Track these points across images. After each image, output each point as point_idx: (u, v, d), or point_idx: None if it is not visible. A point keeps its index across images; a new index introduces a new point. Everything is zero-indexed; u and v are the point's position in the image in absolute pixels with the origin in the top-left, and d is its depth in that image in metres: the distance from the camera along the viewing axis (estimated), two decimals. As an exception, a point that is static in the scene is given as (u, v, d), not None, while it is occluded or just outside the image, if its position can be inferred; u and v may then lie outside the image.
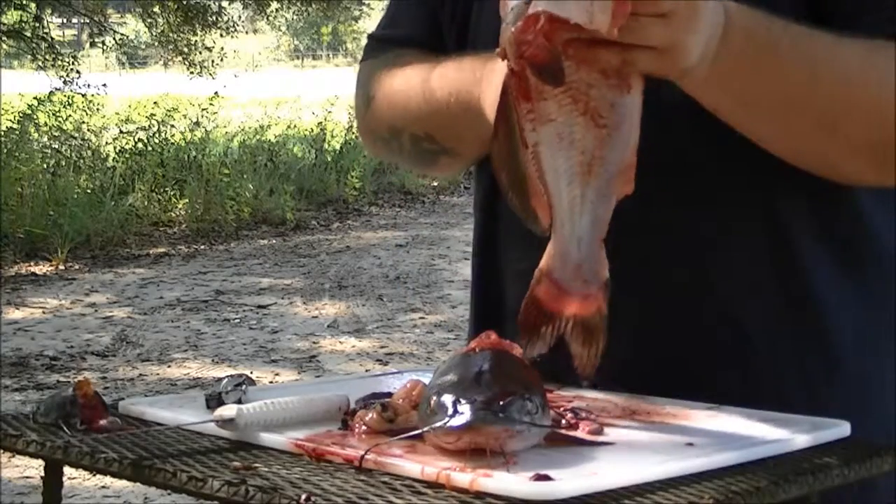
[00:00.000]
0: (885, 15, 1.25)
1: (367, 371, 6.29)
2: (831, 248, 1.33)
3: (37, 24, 16.20)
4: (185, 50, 17.20)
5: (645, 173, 1.09)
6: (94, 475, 1.16)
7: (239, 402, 1.18)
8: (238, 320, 7.97)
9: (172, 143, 13.36)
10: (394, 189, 14.78)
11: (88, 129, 13.60)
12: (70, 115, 13.22)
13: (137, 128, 13.77)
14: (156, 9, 16.82)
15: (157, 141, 13.10)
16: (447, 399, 1.03)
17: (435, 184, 15.07)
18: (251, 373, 4.77)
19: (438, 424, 1.01)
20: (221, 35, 17.39)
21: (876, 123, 1.21)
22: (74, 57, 16.50)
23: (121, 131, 13.84)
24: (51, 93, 13.49)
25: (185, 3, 16.53)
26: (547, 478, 0.97)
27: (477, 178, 1.51)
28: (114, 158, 12.63)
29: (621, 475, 1.00)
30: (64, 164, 12.06)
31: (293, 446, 1.09)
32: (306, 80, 34.12)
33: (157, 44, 18.23)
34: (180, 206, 11.98)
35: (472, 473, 0.97)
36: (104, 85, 14.73)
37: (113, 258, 10.30)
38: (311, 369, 6.73)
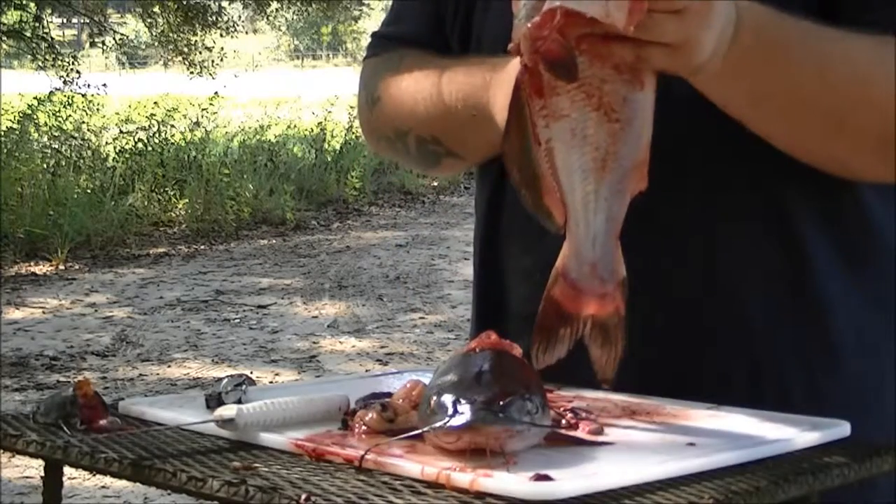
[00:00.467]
0: (892, 11, 1.25)
1: (367, 371, 6.29)
2: (836, 246, 1.33)
3: (37, 24, 16.20)
4: (185, 50, 17.20)
5: (649, 170, 1.09)
6: (94, 475, 1.16)
7: (239, 402, 1.18)
8: (238, 320, 7.97)
9: (172, 143, 13.35)
10: (394, 189, 14.78)
11: (88, 129, 13.59)
12: (70, 115, 13.21)
13: (137, 128, 13.77)
14: (156, 9, 16.82)
15: (157, 141, 13.10)
16: (447, 399, 1.03)
17: (435, 184, 15.07)
18: (251, 373, 4.78)
19: (438, 424, 1.01)
20: (221, 35, 17.39)
21: (885, 120, 1.21)
22: (74, 57, 16.49)
23: (121, 131, 13.84)
24: (51, 93, 13.49)
25: (185, 3, 16.53)
26: (547, 478, 0.97)
27: (481, 175, 1.51)
28: (114, 158, 12.63)
29: (621, 475, 1.00)
30: (64, 164, 12.06)
31: (293, 446, 1.09)
32: (306, 80, 34.14)
33: (157, 44, 18.22)
34: (180, 206, 11.98)
35: (472, 473, 0.97)
36: (104, 85, 14.72)
37: (113, 258, 10.30)
38: (311, 369, 6.73)
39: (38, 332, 7.61)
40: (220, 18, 17.30)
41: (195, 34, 17.10)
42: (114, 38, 18.82)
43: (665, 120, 1.09)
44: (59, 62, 15.60)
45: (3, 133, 12.03)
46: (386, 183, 14.82)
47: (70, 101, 13.44)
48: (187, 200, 11.92)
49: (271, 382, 6.04)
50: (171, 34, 17.06)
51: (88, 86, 14.55)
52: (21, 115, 12.64)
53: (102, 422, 1.17)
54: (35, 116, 12.67)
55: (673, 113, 1.14)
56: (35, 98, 13.05)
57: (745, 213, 1.32)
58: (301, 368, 6.74)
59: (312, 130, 15.69)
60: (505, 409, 1.01)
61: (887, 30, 1.23)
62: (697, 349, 1.33)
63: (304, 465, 1.05)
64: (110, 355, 7.04)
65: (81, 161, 12.36)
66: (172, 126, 13.82)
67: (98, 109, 14.45)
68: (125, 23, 30.48)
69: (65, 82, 14.92)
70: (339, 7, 20.49)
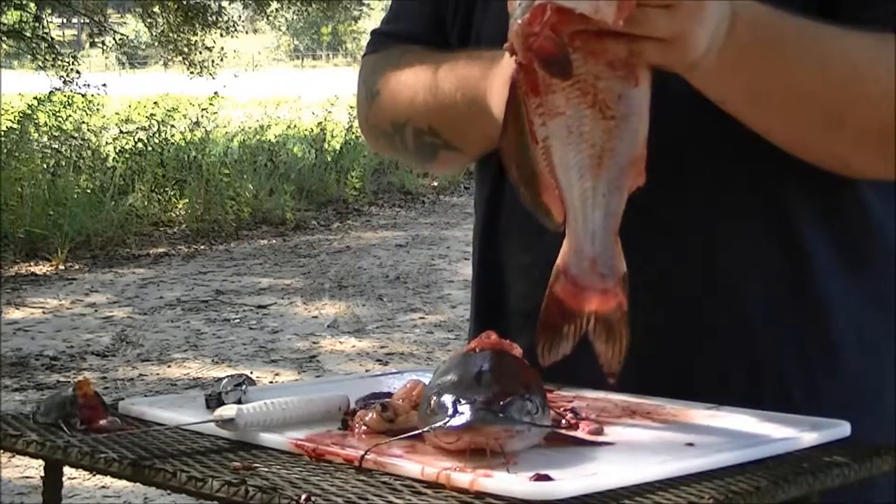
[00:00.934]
0: (892, 8, 1.25)
1: (367, 371, 6.29)
2: (836, 245, 1.33)
3: (37, 24, 16.20)
4: (185, 50, 17.20)
5: (647, 168, 1.09)
6: (94, 475, 1.16)
7: (239, 402, 1.18)
8: (238, 320, 7.97)
9: (172, 143, 13.36)
10: (394, 189, 14.78)
11: (88, 129, 13.59)
12: (70, 115, 13.22)
13: (137, 128, 13.78)
14: (156, 9, 16.82)
15: (157, 141, 13.10)
16: (447, 399, 1.03)
17: (435, 184, 15.07)
18: (251, 373, 4.78)
19: (438, 424, 1.01)
20: (221, 35, 17.39)
21: (884, 116, 1.21)
22: (74, 57, 16.50)
23: (121, 131, 13.84)
24: (51, 93, 13.50)
25: (185, 3, 16.53)
26: (547, 478, 0.97)
27: (480, 173, 1.51)
28: (114, 158, 12.63)
29: (621, 475, 1.00)
30: (64, 164, 12.06)
31: (293, 446, 1.09)
32: (306, 80, 34.14)
33: (157, 44, 18.22)
34: (180, 206, 11.98)
35: (472, 473, 0.97)
36: (104, 85, 14.73)
37: (113, 258, 10.30)
38: (311, 369, 6.73)
39: (38, 332, 7.61)
40: (220, 18, 17.30)
41: (195, 34, 17.10)
42: (114, 38, 18.82)
43: (664, 118, 1.09)
44: (59, 62, 15.60)
45: (3, 133, 12.03)
46: (386, 183, 14.82)
47: (70, 101, 13.45)
48: (187, 200, 11.92)
49: (271, 382, 6.04)
50: (171, 34, 17.06)
51: (88, 86, 14.56)
52: (21, 115, 12.65)
53: (102, 422, 1.17)
54: (35, 116, 12.68)
55: (672, 111, 1.14)
56: (35, 98, 13.06)
57: (746, 212, 1.32)
58: (301, 368, 6.74)
59: (312, 130, 15.69)
60: (505, 409, 1.01)
61: (887, 27, 1.23)
62: (697, 348, 1.33)
63: (303, 465, 1.05)
64: (110, 355, 7.04)
65: (81, 161, 12.36)
66: (172, 126, 13.82)
67: (98, 109, 14.46)
68: (125, 23, 30.49)
69: (65, 82, 14.93)
70: (339, 7, 20.50)
